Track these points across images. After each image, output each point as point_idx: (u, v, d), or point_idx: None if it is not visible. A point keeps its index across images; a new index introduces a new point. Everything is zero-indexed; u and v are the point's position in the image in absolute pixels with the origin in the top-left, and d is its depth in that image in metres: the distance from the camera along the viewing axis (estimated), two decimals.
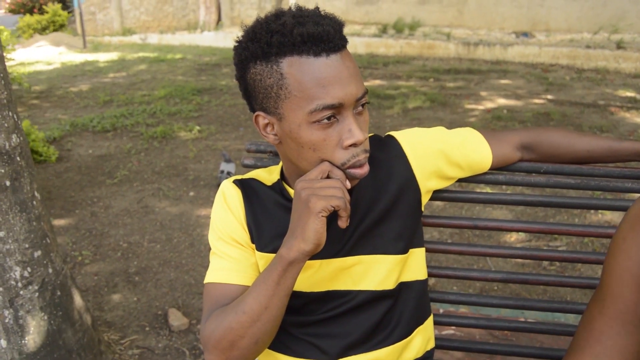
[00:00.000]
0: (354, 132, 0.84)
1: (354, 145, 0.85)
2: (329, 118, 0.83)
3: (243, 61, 0.88)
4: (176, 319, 2.40)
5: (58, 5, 14.85)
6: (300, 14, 0.85)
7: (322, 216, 0.81)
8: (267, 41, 0.83)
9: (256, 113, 0.90)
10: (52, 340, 1.78)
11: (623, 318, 0.75)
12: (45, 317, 1.76)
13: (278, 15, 0.86)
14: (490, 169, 1.09)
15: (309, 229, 0.82)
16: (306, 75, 0.82)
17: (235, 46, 0.89)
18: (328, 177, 0.86)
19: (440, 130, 1.06)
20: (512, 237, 3.15)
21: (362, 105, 0.87)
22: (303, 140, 0.85)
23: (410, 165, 1.01)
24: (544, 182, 1.10)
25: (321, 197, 0.82)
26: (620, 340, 0.75)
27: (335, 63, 0.83)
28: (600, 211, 3.43)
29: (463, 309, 2.28)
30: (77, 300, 1.95)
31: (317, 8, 0.88)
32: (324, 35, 0.81)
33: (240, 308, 0.87)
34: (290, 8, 0.88)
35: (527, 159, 1.12)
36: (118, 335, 2.34)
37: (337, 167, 0.86)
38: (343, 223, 0.84)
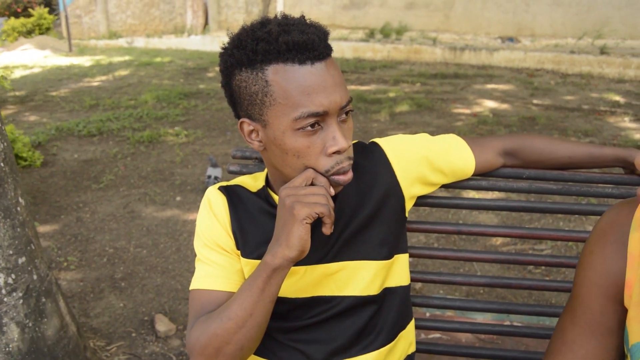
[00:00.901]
0: (337, 139, 0.85)
1: (337, 152, 0.86)
2: (313, 125, 0.84)
3: (229, 68, 0.88)
4: (163, 325, 2.39)
5: (44, 9, 14.73)
6: (285, 22, 0.85)
7: (306, 223, 0.82)
8: (253, 49, 0.83)
9: (241, 120, 0.91)
10: (37, 347, 1.77)
11: (592, 327, 0.77)
12: (30, 324, 1.75)
13: (264, 23, 0.86)
14: (473, 175, 1.10)
15: (293, 236, 0.82)
16: (291, 83, 0.82)
17: (221, 53, 0.90)
18: (312, 184, 0.87)
19: (423, 137, 1.07)
20: (498, 241, 3.18)
21: (346, 113, 0.88)
22: (287, 147, 0.86)
23: (394, 172, 1.02)
24: (527, 188, 1.11)
25: (305, 204, 0.82)
26: (591, 349, 0.77)
27: (319, 71, 0.83)
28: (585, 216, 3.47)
29: (449, 313, 2.29)
30: (62, 306, 1.93)
31: (302, 16, 0.89)
32: (308, 44, 0.82)
33: (226, 314, 0.87)
34: (276, 16, 0.89)
35: (510, 164, 1.13)
36: (104, 342, 2.32)
37: (321, 174, 0.87)
38: (327, 230, 0.85)
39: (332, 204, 0.85)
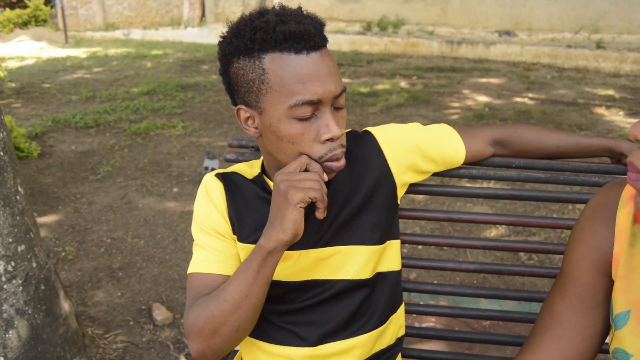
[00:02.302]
0: (331, 127, 0.88)
1: (331, 139, 0.89)
2: (307, 116, 0.87)
3: (227, 56, 0.91)
4: (160, 314, 2.43)
5: (40, 0, 14.66)
6: (283, 12, 0.88)
7: (300, 207, 0.85)
8: (251, 37, 0.86)
9: (238, 106, 0.93)
10: (36, 334, 1.79)
11: (582, 301, 0.81)
12: (29, 311, 1.78)
13: (262, 13, 0.89)
14: (463, 164, 1.13)
15: (287, 220, 0.85)
16: (287, 71, 0.85)
17: (219, 41, 0.92)
18: (306, 170, 0.90)
19: (415, 126, 1.10)
20: (492, 232, 3.22)
21: (340, 102, 0.91)
22: (282, 133, 0.89)
23: (386, 160, 1.04)
24: (515, 177, 1.14)
25: (299, 189, 0.85)
26: (580, 322, 0.80)
27: (314, 61, 0.86)
28: (578, 205, 3.51)
29: (443, 302, 2.33)
30: (61, 294, 1.96)
31: (299, 7, 0.91)
32: (305, 34, 0.84)
33: (222, 296, 0.90)
34: (274, 7, 0.91)
35: (500, 154, 1.16)
36: (102, 330, 2.35)
37: (315, 160, 0.90)
38: (320, 214, 0.88)
39: (325, 189, 0.88)
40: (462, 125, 1.00)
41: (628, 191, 0.79)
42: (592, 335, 0.81)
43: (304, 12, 0.90)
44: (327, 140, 0.89)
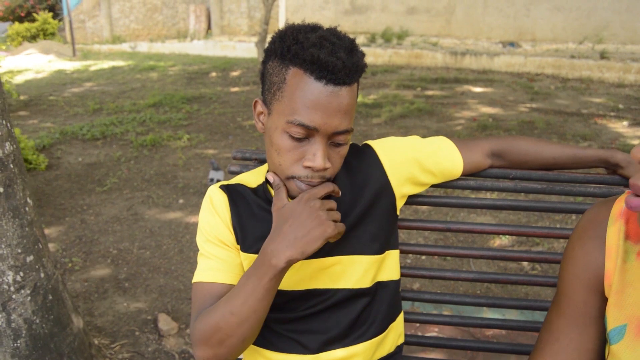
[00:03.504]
0: (316, 158, 0.91)
1: (311, 168, 0.92)
2: (299, 137, 0.90)
3: (269, 51, 0.96)
4: (165, 324, 2.45)
5: (48, 14, 14.85)
6: (328, 37, 0.90)
7: (329, 239, 0.90)
8: (288, 47, 0.90)
9: (256, 99, 0.99)
10: (44, 343, 1.82)
11: (576, 318, 0.83)
12: (37, 321, 1.81)
13: (312, 28, 0.93)
14: (462, 175, 1.15)
15: (313, 247, 0.89)
16: (300, 90, 0.89)
17: (272, 36, 0.96)
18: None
19: (414, 139, 1.13)
20: (496, 243, 3.23)
21: (341, 139, 0.93)
22: (274, 141, 0.93)
23: (386, 172, 1.07)
24: (512, 187, 1.17)
25: (337, 224, 0.91)
26: (576, 338, 0.83)
27: (328, 93, 0.88)
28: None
29: (446, 312, 2.34)
30: (69, 304, 1.99)
31: (352, 40, 0.93)
32: (330, 66, 0.87)
33: (228, 309, 0.92)
34: (330, 28, 0.94)
35: (497, 165, 1.19)
36: (108, 340, 2.37)
37: (289, 176, 0.95)
38: (333, 240, 0.92)
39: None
40: (461, 138, 1.03)
41: (617, 208, 0.81)
42: (588, 351, 0.83)
43: (351, 46, 0.91)
44: (308, 167, 0.92)
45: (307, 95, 0.88)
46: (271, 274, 0.90)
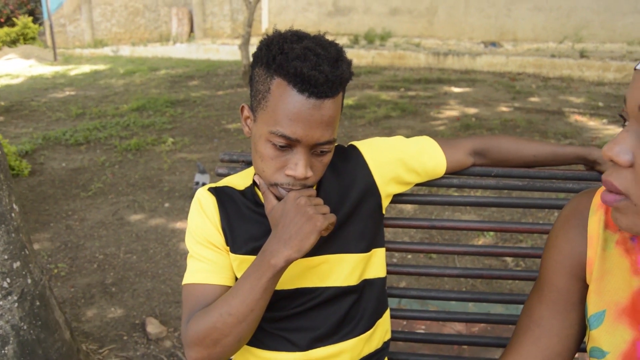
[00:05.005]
0: (298, 167, 0.93)
1: (293, 177, 0.94)
2: (282, 145, 0.92)
3: (256, 57, 0.97)
4: (154, 328, 2.45)
5: (28, 18, 14.69)
6: (313, 48, 0.90)
7: (322, 233, 0.92)
8: (274, 56, 0.91)
9: (244, 104, 1.01)
10: (32, 349, 1.82)
11: (558, 304, 0.86)
12: (25, 327, 1.80)
13: (298, 38, 0.93)
14: (445, 174, 1.18)
15: (307, 242, 0.91)
16: (283, 102, 0.90)
17: (260, 41, 0.97)
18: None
19: (398, 139, 1.15)
20: (480, 241, 3.27)
21: (324, 150, 0.96)
22: (258, 148, 0.96)
23: (371, 173, 1.10)
24: (494, 185, 1.20)
25: (326, 216, 0.93)
26: (556, 324, 0.86)
27: (311, 106, 0.90)
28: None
29: (433, 308, 2.37)
30: (56, 310, 1.98)
31: (338, 50, 0.94)
32: (312, 80, 0.88)
33: (226, 310, 0.94)
34: (316, 36, 0.95)
35: (479, 164, 1.22)
36: (96, 345, 2.37)
37: (272, 183, 0.97)
38: (325, 234, 0.95)
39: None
40: (444, 137, 1.06)
41: (598, 199, 0.84)
42: (568, 337, 0.86)
43: (337, 56, 0.92)
44: (290, 175, 0.94)
45: (290, 107, 0.90)
46: (270, 273, 0.92)
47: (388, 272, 1.19)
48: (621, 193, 0.68)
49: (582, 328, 0.87)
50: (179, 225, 3.57)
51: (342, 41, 11.86)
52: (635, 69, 0.67)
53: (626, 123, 0.69)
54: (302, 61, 0.88)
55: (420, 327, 2.34)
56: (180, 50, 13.07)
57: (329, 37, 0.98)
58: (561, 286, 0.86)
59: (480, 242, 3.26)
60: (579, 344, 0.87)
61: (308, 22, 13.80)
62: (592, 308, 0.82)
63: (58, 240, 3.40)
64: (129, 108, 6.88)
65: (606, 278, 0.81)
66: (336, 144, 1.12)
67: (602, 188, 0.85)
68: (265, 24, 14.24)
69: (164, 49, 13.48)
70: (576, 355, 0.89)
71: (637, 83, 0.65)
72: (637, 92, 0.65)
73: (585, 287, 0.85)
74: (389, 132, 5.54)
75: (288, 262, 0.92)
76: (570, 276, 0.85)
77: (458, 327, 2.37)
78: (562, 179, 1.20)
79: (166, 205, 3.91)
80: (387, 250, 1.20)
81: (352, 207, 1.07)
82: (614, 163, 0.68)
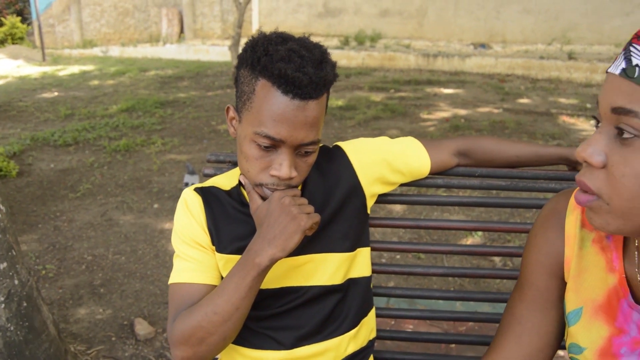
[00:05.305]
0: (282, 167, 0.94)
1: (277, 177, 0.96)
2: (267, 146, 0.93)
3: (241, 59, 0.98)
4: (142, 328, 2.45)
5: (16, 18, 14.58)
6: (298, 50, 0.91)
7: (307, 233, 0.94)
8: (258, 58, 0.92)
9: (229, 105, 1.02)
10: (19, 350, 1.81)
11: (538, 302, 0.88)
12: (12, 328, 1.80)
13: (283, 39, 0.94)
14: (429, 174, 1.20)
15: (292, 241, 0.92)
16: (268, 103, 0.91)
17: (246, 43, 0.98)
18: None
19: (383, 140, 1.17)
20: (468, 241, 3.30)
21: (308, 151, 0.97)
22: (243, 149, 0.97)
23: (356, 173, 1.11)
24: (478, 185, 1.21)
25: (310, 215, 0.94)
26: (537, 321, 0.87)
27: (295, 107, 0.91)
28: None
29: (420, 307, 2.39)
30: (43, 311, 1.98)
31: (323, 52, 0.95)
32: (296, 82, 0.89)
33: (211, 309, 0.94)
34: (300, 38, 0.96)
35: (464, 164, 1.23)
36: (84, 346, 2.36)
37: (257, 183, 0.98)
38: (310, 233, 0.96)
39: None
40: (427, 138, 1.07)
41: (575, 198, 0.86)
42: (548, 333, 0.88)
43: (321, 58, 0.93)
44: (274, 176, 0.95)
45: (274, 108, 0.91)
46: (255, 272, 0.93)
47: (374, 272, 1.21)
48: (594, 193, 0.69)
49: (562, 325, 0.88)
50: (167, 226, 3.57)
51: (332, 42, 11.89)
52: (607, 72, 0.68)
53: (599, 124, 0.70)
54: (287, 63, 0.89)
55: (409, 327, 2.35)
56: (170, 51, 13.03)
57: (319, 39, 0.99)
58: (540, 284, 0.88)
59: (468, 242, 3.28)
60: (560, 340, 0.89)
61: (298, 23, 13.80)
62: (570, 305, 0.84)
63: (46, 241, 3.39)
64: (118, 109, 6.85)
65: (583, 276, 0.82)
66: (321, 145, 1.13)
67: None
68: (256, 25, 14.23)
69: (154, 49, 13.43)
70: (562, 354, 0.90)
71: (609, 85, 0.67)
72: (610, 94, 0.66)
73: (563, 285, 0.86)
74: (379, 133, 5.56)
75: (272, 261, 0.92)
76: (549, 274, 0.87)
77: (445, 326, 2.39)
78: (545, 179, 1.22)
79: (155, 206, 3.91)
80: (374, 250, 1.21)
81: (336, 207, 1.08)
82: (587, 164, 0.70)
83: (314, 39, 1.02)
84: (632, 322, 0.77)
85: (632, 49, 0.64)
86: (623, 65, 0.64)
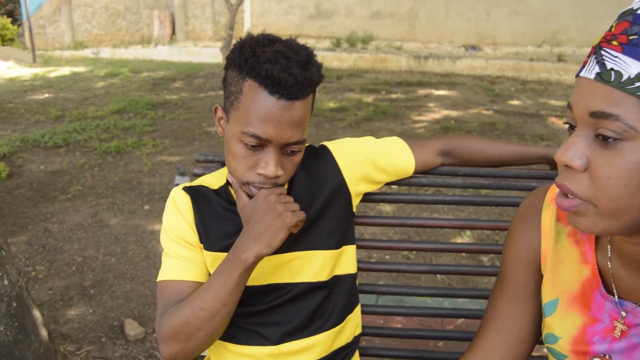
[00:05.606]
0: (269, 166, 0.96)
1: (264, 175, 0.98)
2: (254, 145, 0.95)
3: (229, 60, 1.00)
4: (132, 329, 2.45)
5: (7, 19, 14.50)
6: (284, 51, 0.94)
7: (292, 229, 0.95)
8: (246, 59, 0.94)
9: (218, 105, 1.05)
10: (9, 351, 1.81)
11: (517, 294, 0.91)
12: (1, 329, 1.80)
13: (270, 41, 0.96)
14: (414, 173, 1.22)
15: (277, 238, 0.94)
16: (254, 103, 0.93)
17: (234, 44, 1.00)
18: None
19: (368, 139, 1.19)
20: (458, 240, 3.33)
21: (294, 150, 0.99)
22: (230, 148, 0.99)
23: (341, 172, 1.13)
24: (461, 183, 1.24)
25: (295, 212, 0.96)
26: (517, 314, 0.90)
27: (281, 107, 0.93)
28: None
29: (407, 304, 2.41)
30: (33, 311, 1.98)
31: (309, 53, 0.98)
32: (282, 82, 0.91)
33: (198, 305, 0.96)
34: (287, 40, 0.98)
35: (448, 163, 1.26)
36: (74, 347, 2.37)
37: (244, 182, 1.00)
38: (296, 230, 0.98)
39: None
40: (412, 138, 1.09)
41: (551, 194, 0.88)
42: (528, 325, 0.90)
43: (307, 59, 0.96)
44: (261, 174, 0.98)
45: (261, 108, 0.93)
46: (241, 269, 0.94)
47: (358, 269, 1.23)
48: (578, 197, 0.69)
49: (540, 316, 0.91)
50: (158, 227, 3.57)
51: (324, 44, 11.92)
52: (578, 76, 0.68)
53: (574, 128, 0.69)
54: (273, 64, 0.92)
55: (397, 325, 2.38)
56: (162, 53, 13.01)
57: (311, 40, 1.01)
58: (519, 277, 0.90)
59: (458, 241, 3.31)
60: (539, 332, 0.92)
61: (290, 25, 13.82)
62: (546, 296, 0.86)
63: (36, 243, 3.38)
64: (109, 110, 6.84)
65: (559, 268, 0.85)
66: (307, 144, 1.15)
67: (554, 186, 0.90)
68: (247, 27, 14.24)
69: (146, 51, 13.40)
70: (546, 350, 0.93)
71: (583, 90, 0.66)
72: (585, 99, 0.66)
73: (541, 278, 0.89)
74: (370, 135, 5.55)
75: (258, 258, 0.94)
76: (527, 268, 0.90)
77: (434, 324, 2.42)
78: (527, 177, 1.25)
79: (146, 207, 3.91)
80: (364, 249, 1.24)
81: (322, 205, 1.10)
82: (567, 167, 0.69)
83: (306, 41, 1.04)
84: (605, 312, 0.79)
85: (603, 52, 0.64)
86: (597, 69, 0.64)
